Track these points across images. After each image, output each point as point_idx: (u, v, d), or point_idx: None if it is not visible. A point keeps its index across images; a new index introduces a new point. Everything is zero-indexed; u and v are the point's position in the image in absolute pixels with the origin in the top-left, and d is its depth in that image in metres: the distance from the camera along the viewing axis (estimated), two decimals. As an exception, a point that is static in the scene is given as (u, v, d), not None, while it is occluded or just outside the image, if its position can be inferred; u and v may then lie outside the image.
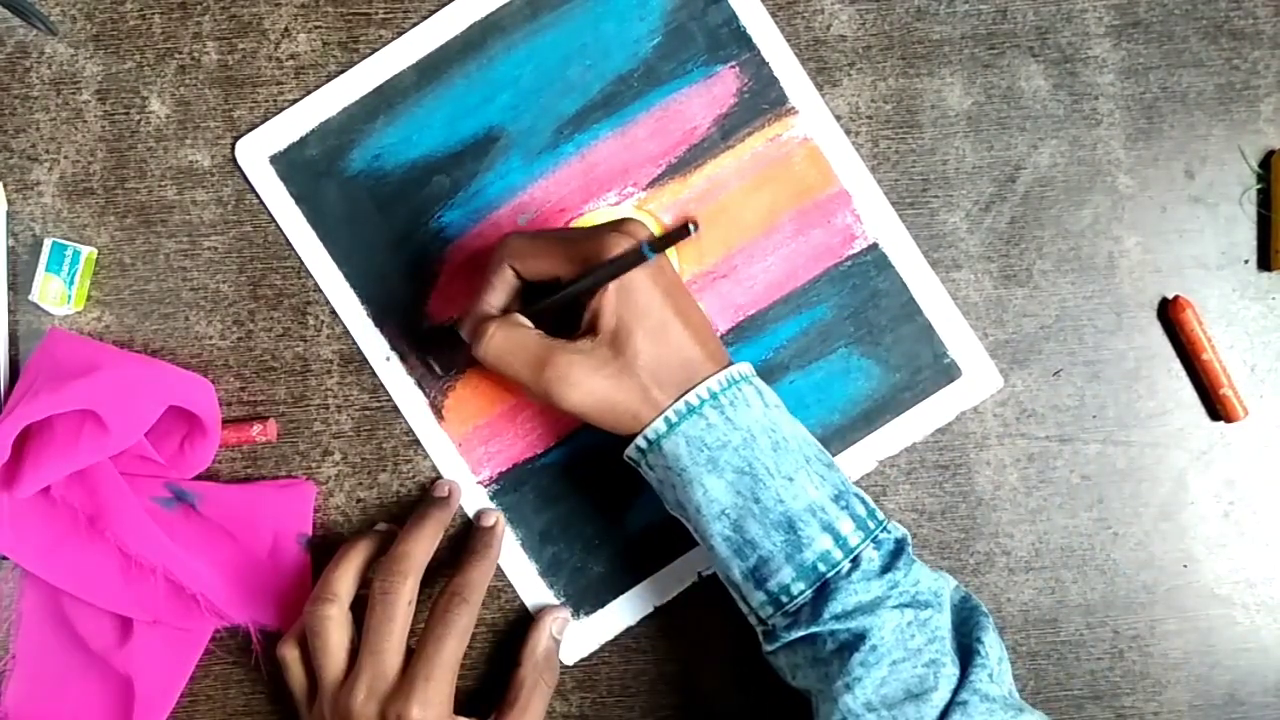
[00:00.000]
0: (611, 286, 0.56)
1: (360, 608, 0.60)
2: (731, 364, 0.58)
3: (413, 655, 0.59)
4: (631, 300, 0.56)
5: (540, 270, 0.58)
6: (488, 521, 0.64)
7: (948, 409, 0.66)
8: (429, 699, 0.57)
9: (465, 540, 0.64)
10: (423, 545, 0.61)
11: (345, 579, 0.61)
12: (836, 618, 0.55)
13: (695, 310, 0.59)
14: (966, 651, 0.56)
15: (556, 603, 0.65)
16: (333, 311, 0.65)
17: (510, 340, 0.57)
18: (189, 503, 0.63)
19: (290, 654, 0.61)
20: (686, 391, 0.56)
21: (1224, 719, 0.67)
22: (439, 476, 0.65)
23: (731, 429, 0.56)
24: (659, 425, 0.56)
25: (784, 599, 0.56)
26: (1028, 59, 0.67)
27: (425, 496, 0.64)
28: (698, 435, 0.56)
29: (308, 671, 0.61)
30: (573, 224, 0.65)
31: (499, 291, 0.59)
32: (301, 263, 0.65)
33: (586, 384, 0.56)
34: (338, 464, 0.65)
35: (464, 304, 0.65)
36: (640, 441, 0.57)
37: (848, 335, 0.66)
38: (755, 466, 0.56)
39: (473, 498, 0.65)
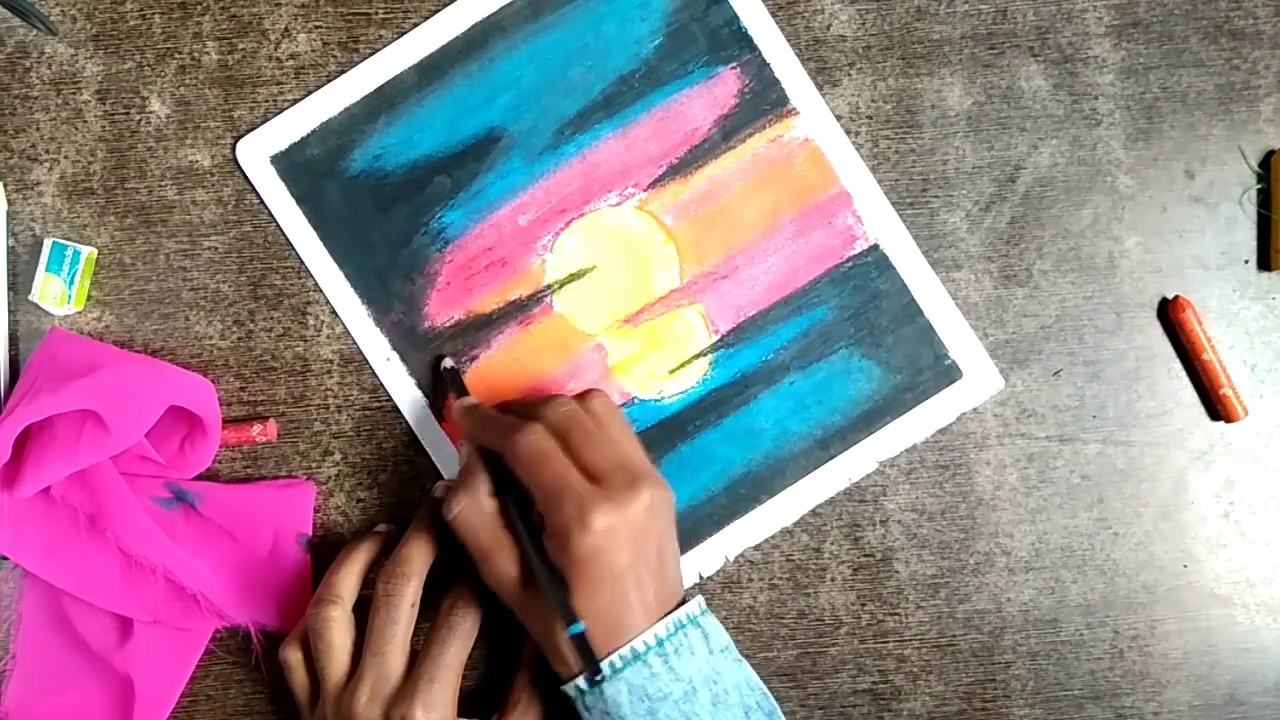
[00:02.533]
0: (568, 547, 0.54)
1: (363, 611, 0.60)
2: (684, 602, 0.57)
3: (417, 657, 0.59)
4: (581, 558, 0.54)
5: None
6: None
7: (948, 410, 0.66)
8: (432, 701, 0.57)
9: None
10: (426, 548, 0.61)
11: (348, 580, 0.61)
12: None
13: (652, 552, 0.56)
14: None
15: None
16: (333, 311, 0.65)
17: (473, 519, 0.58)
18: (189, 503, 0.63)
19: (293, 656, 0.61)
20: (633, 638, 0.54)
21: (1224, 719, 0.67)
22: (440, 477, 0.65)
23: (674, 680, 0.54)
24: (604, 668, 0.54)
25: None
26: (1028, 59, 0.67)
27: (427, 499, 0.64)
28: (640, 684, 0.54)
29: (310, 674, 0.61)
30: (575, 223, 0.65)
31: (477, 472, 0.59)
32: (302, 263, 0.65)
33: (528, 617, 0.57)
34: (338, 464, 0.65)
35: (463, 304, 0.65)
36: (581, 682, 0.55)
37: (848, 336, 0.66)
38: None
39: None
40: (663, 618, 0.55)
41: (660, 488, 0.57)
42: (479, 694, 0.65)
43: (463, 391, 0.63)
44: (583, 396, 0.60)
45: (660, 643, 0.55)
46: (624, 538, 0.55)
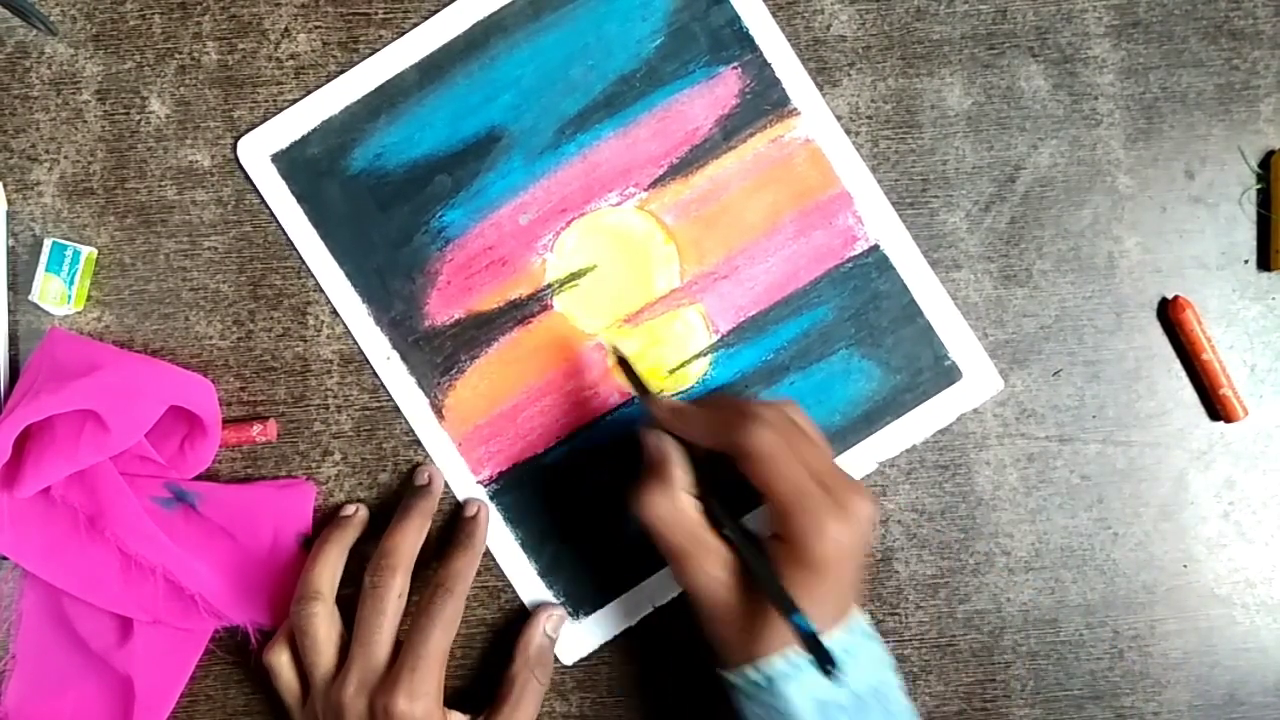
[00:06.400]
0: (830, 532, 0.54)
1: (349, 605, 0.60)
2: (853, 612, 0.57)
3: (400, 648, 0.59)
4: (815, 565, 0.54)
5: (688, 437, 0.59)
6: (470, 511, 0.64)
7: (948, 410, 0.66)
8: (415, 690, 0.57)
9: (452, 531, 0.65)
10: (410, 537, 0.61)
11: (325, 574, 0.61)
12: None
13: (862, 565, 0.57)
14: None
15: (553, 601, 0.65)
16: (333, 311, 0.65)
17: (670, 519, 0.57)
18: (189, 503, 0.63)
19: (278, 659, 0.61)
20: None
21: (1224, 719, 0.67)
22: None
23: (847, 691, 0.54)
24: (776, 662, 0.54)
25: None
26: (1028, 59, 0.67)
27: (408, 487, 0.64)
28: (816, 688, 0.54)
29: (297, 674, 0.61)
30: (575, 222, 0.65)
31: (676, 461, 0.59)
32: (302, 262, 0.65)
33: (725, 620, 0.56)
34: (338, 464, 0.65)
35: (464, 303, 0.65)
36: (754, 674, 0.55)
37: (849, 337, 0.66)
38: None
39: (470, 495, 0.65)
40: (840, 624, 0.55)
41: (875, 501, 0.56)
42: (478, 694, 0.65)
43: (641, 384, 0.62)
44: (781, 405, 0.58)
45: (843, 650, 0.54)
46: (854, 549, 0.54)
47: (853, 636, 0.55)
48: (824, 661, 0.51)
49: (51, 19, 0.64)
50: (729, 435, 0.56)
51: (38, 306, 0.63)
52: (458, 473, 0.65)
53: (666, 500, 0.57)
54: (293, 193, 0.65)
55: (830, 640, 0.54)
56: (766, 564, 0.55)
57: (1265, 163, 0.67)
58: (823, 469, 0.55)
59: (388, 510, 0.64)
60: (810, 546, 0.53)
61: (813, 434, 0.58)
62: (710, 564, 0.56)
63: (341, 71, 0.65)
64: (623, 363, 0.63)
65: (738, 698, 0.56)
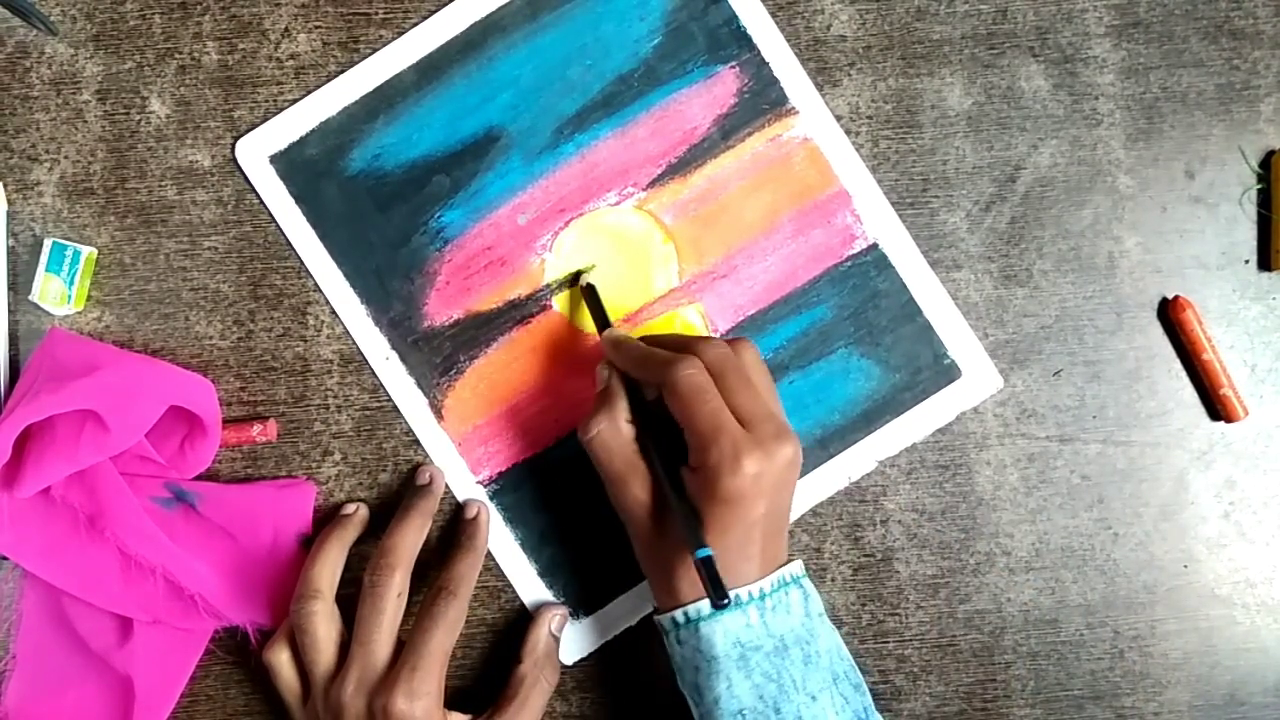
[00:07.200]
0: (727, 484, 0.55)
1: (350, 604, 0.60)
2: (786, 562, 0.58)
3: (402, 648, 0.59)
4: (724, 498, 0.55)
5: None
6: (470, 513, 0.64)
7: (948, 409, 0.66)
8: (415, 690, 0.57)
9: (453, 531, 0.65)
10: (410, 536, 0.61)
11: (324, 573, 0.61)
12: None
13: (782, 507, 0.58)
14: None
15: (555, 601, 0.65)
16: (333, 311, 0.65)
17: (610, 443, 0.59)
18: (189, 503, 0.63)
19: (278, 657, 0.61)
20: (740, 585, 0.56)
21: (1224, 719, 0.67)
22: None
23: (766, 634, 0.56)
24: (702, 606, 0.56)
25: None
26: (1028, 59, 0.67)
27: (409, 487, 0.65)
28: (735, 630, 0.56)
29: (297, 673, 0.61)
30: (574, 222, 0.65)
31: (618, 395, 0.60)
32: (301, 263, 0.65)
33: (647, 544, 0.59)
34: (338, 464, 0.65)
35: (463, 303, 0.65)
36: (679, 615, 0.57)
37: (847, 335, 0.66)
38: (783, 676, 0.56)
39: (471, 497, 0.65)
40: (769, 574, 0.57)
41: (799, 446, 0.57)
42: (478, 694, 0.65)
43: (603, 318, 0.64)
44: (733, 344, 0.60)
45: (762, 596, 0.56)
46: (766, 487, 0.56)
47: (780, 585, 0.57)
48: (716, 587, 0.53)
49: (51, 19, 0.64)
50: (658, 371, 0.58)
51: (38, 306, 0.63)
52: (458, 473, 0.65)
53: (606, 426, 0.59)
54: (291, 194, 0.65)
55: (754, 587, 0.56)
56: (678, 488, 0.57)
57: (1265, 163, 0.67)
58: (752, 409, 0.57)
59: (388, 510, 0.64)
60: (719, 479, 0.55)
61: (755, 375, 0.59)
62: (636, 487, 0.58)
63: (341, 71, 0.65)
64: (588, 293, 0.64)
65: (667, 640, 0.58)
